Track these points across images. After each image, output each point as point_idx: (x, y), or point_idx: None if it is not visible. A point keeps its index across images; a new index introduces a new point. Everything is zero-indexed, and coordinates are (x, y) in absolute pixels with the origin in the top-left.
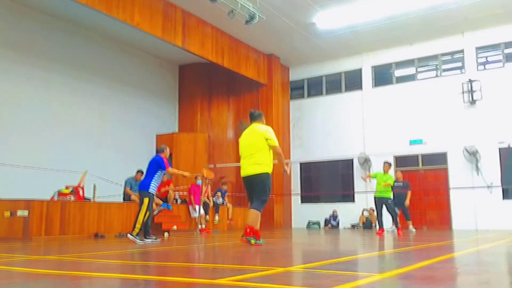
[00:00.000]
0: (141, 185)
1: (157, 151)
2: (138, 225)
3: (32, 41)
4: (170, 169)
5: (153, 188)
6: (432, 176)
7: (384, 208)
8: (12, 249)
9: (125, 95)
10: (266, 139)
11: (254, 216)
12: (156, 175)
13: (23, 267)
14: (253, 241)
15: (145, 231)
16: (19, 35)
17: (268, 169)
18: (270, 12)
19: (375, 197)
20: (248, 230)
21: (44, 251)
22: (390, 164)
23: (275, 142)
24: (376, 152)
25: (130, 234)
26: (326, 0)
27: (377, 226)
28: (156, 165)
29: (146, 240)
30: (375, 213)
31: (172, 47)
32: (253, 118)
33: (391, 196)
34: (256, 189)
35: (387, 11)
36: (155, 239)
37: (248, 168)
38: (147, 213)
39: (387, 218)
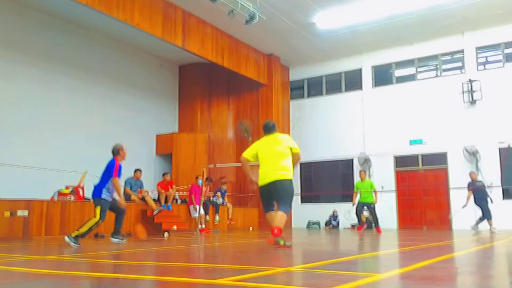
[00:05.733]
0: (94, 191)
1: (112, 152)
2: (82, 230)
3: (32, 41)
4: (114, 180)
5: (106, 194)
6: (432, 176)
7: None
8: (12, 249)
9: (125, 95)
10: (291, 148)
11: (284, 219)
12: (109, 181)
13: (23, 267)
14: (282, 242)
15: (115, 230)
16: (18, 35)
17: (292, 176)
18: (270, 12)
19: (359, 202)
20: (276, 231)
21: (44, 251)
22: (365, 171)
23: (298, 149)
24: (376, 152)
25: (68, 237)
26: (326, 0)
27: (359, 223)
28: (106, 170)
29: (113, 239)
30: (355, 214)
31: (172, 47)
32: (269, 129)
33: (374, 200)
34: (284, 194)
35: (387, 11)
36: (122, 239)
37: (278, 174)
38: (99, 222)
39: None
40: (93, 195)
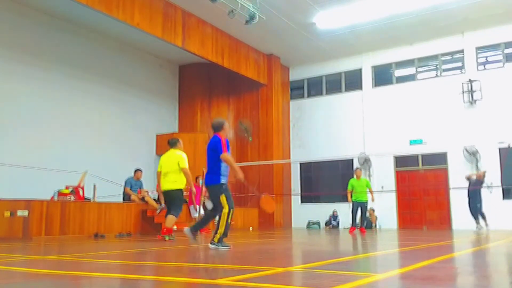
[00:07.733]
0: (207, 179)
1: (214, 129)
2: (221, 230)
3: (32, 41)
4: (226, 155)
5: (224, 178)
6: (432, 176)
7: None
8: (12, 249)
9: (125, 95)
10: (178, 163)
11: (171, 220)
12: (221, 163)
13: (23, 267)
14: (167, 238)
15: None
16: (19, 35)
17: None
18: (270, 12)
19: (354, 201)
20: (165, 230)
21: (44, 251)
22: (360, 169)
23: (186, 165)
24: (376, 152)
25: (212, 243)
26: (326, 0)
27: (352, 224)
28: (213, 150)
29: (211, 245)
30: (351, 214)
31: (172, 47)
32: (172, 144)
33: (368, 199)
34: (174, 201)
35: (387, 11)
36: (227, 246)
37: (167, 184)
38: (231, 211)
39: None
40: (208, 182)
